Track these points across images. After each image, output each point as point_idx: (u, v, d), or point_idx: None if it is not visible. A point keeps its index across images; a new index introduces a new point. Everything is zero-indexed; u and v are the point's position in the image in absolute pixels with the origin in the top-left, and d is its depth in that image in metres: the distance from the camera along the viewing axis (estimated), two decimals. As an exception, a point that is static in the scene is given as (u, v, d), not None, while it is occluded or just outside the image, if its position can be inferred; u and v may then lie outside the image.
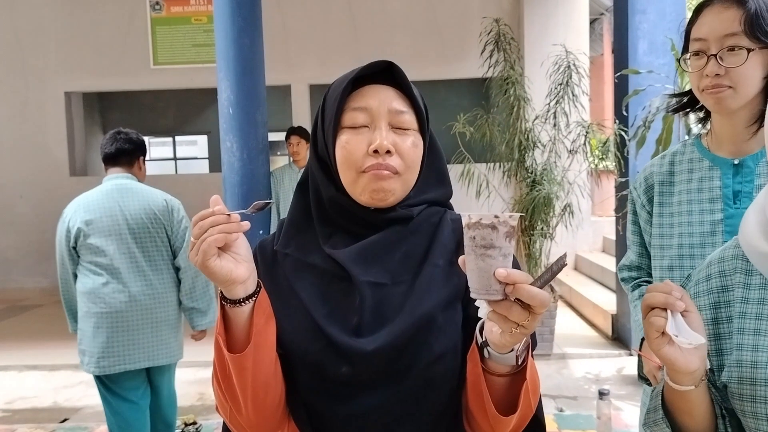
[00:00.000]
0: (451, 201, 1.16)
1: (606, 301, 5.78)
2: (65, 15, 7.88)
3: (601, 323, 5.64)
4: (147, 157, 3.23)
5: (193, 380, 4.70)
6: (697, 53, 1.40)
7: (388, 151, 1.00)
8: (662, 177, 1.56)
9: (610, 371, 4.68)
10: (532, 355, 0.92)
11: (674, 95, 1.60)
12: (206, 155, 12.65)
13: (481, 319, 0.88)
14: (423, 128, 1.06)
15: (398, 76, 1.05)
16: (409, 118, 1.04)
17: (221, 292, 0.92)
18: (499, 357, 0.88)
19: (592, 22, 9.71)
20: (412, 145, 1.03)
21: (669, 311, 0.85)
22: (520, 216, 0.83)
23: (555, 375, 4.68)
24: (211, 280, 0.90)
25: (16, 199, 8.05)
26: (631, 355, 4.94)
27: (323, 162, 1.07)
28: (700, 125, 1.64)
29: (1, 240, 8.08)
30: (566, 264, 0.79)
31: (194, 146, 13.22)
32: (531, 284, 0.78)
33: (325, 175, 1.06)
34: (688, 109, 1.57)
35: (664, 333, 0.85)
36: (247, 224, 0.90)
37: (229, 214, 0.88)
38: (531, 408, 0.93)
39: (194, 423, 3.85)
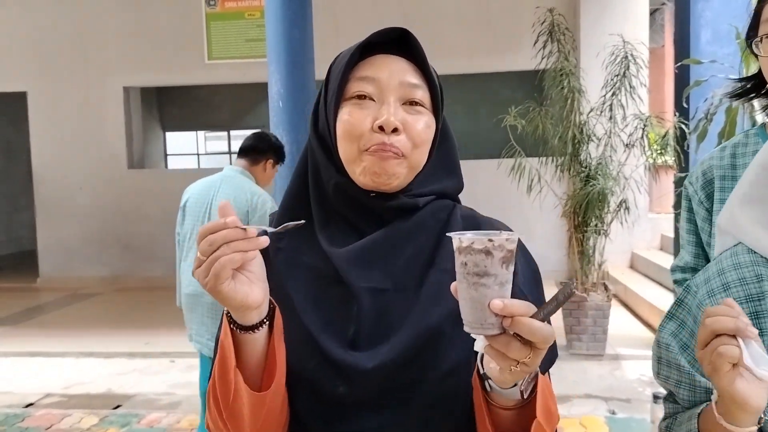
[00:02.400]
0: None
1: (663, 300, 5.57)
2: (124, 11, 8.09)
3: (657, 323, 5.43)
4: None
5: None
6: None
7: (395, 130, 0.88)
8: (723, 171, 1.43)
9: (666, 374, 4.50)
10: (549, 375, 0.84)
11: (738, 80, 1.47)
12: (260, 149, 12.81)
13: None
14: (437, 109, 0.94)
15: (413, 47, 0.92)
16: (423, 94, 0.92)
17: (228, 314, 0.81)
18: (501, 392, 0.79)
19: (652, 12, 9.38)
20: (424, 126, 0.91)
21: (740, 339, 0.73)
22: (518, 238, 0.74)
23: (607, 376, 4.53)
24: (223, 304, 0.79)
25: (76, 190, 8.33)
26: (688, 357, 4.73)
27: (323, 140, 0.95)
28: (764, 114, 1.51)
29: (63, 229, 8.37)
30: (574, 293, 0.71)
31: (249, 140, 13.42)
32: (532, 316, 0.69)
33: (325, 155, 0.94)
34: (752, 95, 1.44)
35: (735, 364, 0.73)
36: (265, 240, 0.78)
37: (244, 228, 0.76)
38: None
39: None
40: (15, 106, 9.29)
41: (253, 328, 0.81)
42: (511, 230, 0.85)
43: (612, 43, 5.03)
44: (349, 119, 0.90)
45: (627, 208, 5.06)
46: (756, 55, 1.32)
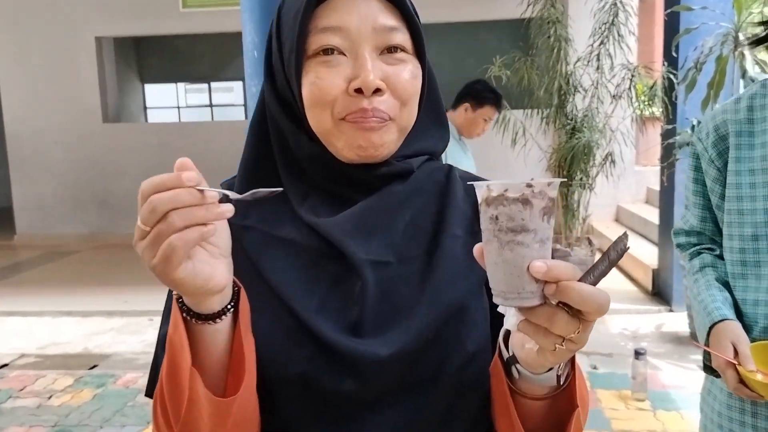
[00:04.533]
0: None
1: (647, 254, 5.53)
2: (94, -43, 7.73)
3: (641, 277, 5.41)
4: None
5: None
6: None
7: (377, 90, 0.72)
8: (739, 126, 1.29)
9: (649, 328, 4.48)
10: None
11: (758, 23, 1.32)
12: (242, 102, 12.56)
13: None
14: (421, 52, 0.78)
15: None
16: (403, 37, 0.75)
17: (180, 300, 0.65)
18: (533, 378, 0.66)
19: (643, -42, 9.11)
20: (410, 76, 0.75)
21: None
22: (561, 182, 0.61)
23: (590, 331, 4.51)
24: (175, 290, 0.62)
25: (51, 145, 8.10)
26: (671, 311, 4.73)
27: (285, 102, 0.78)
28: (757, 67, 1.38)
29: (38, 186, 8.18)
30: (628, 248, 0.58)
31: (230, 93, 13.14)
32: (580, 280, 0.56)
33: (290, 120, 0.78)
34: None
35: None
36: (230, 209, 0.60)
37: (201, 190, 0.58)
38: None
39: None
40: (-16, 59, 8.94)
41: (215, 317, 0.65)
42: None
43: (600, -10, 4.86)
44: (316, 83, 0.73)
45: (613, 161, 4.97)
46: None
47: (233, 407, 0.66)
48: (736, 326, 1.24)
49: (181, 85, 12.72)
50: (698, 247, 1.43)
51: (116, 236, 8.00)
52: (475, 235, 0.74)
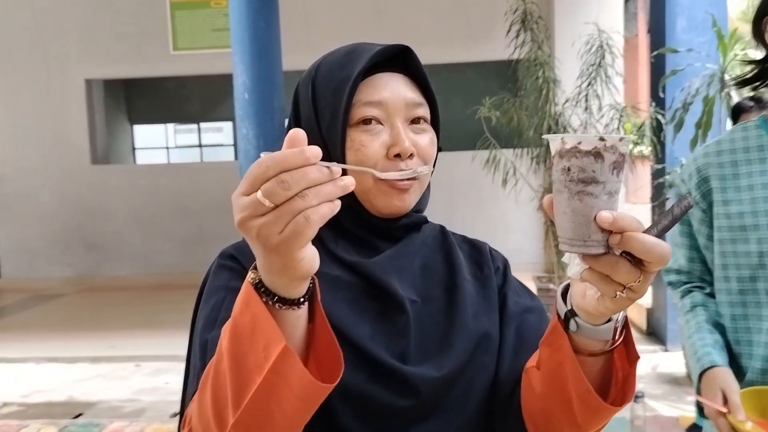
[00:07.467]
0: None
1: (640, 293, 5.51)
2: (85, 1, 7.79)
3: (635, 317, 5.38)
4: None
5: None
6: None
7: (410, 155, 0.86)
8: (722, 169, 1.31)
9: (645, 369, 4.43)
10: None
11: (748, 62, 1.35)
12: (232, 142, 12.59)
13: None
14: (436, 124, 0.92)
15: (412, 63, 0.90)
16: (425, 111, 0.90)
17: (260, 283, 0.62)
18: (592, 330, 0.70)
19: (626, 1, 9.33)
20: (430, 143, 0.90)
21: None
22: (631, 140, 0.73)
23: (585, 372, 4.45)
24: (280, 272, 0.60)
25: (39, 187, 8.04)
26: (666, 351, 4.69)
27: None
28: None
29: (25, 229, 8.09)
30: (692, 205, 0.62)
31: (220, 133, 13.17)
32: (644, 232, 0.60)
33: None
34: (759, 83, 1.31)
35: None
36: (352, 182, 0.58)
37: (328, 166, 0.57)
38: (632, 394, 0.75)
39: None
40: (-27, 101, 8.94)
41: (300, 302, 0.64)
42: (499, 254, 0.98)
43: (587, 32, 4.93)
44: (362, 150, 0.85)
45: (603, 200, 4.98)
46: (764, 41, 1.21)
47: (325, 394, 0.66)
48: (726, 373, 1.24)
49: (170, 126, 12.75)
50: (688, 285, 1.44)
51: (104, 278, 7.90)
52: (478, 280, 0.94)
